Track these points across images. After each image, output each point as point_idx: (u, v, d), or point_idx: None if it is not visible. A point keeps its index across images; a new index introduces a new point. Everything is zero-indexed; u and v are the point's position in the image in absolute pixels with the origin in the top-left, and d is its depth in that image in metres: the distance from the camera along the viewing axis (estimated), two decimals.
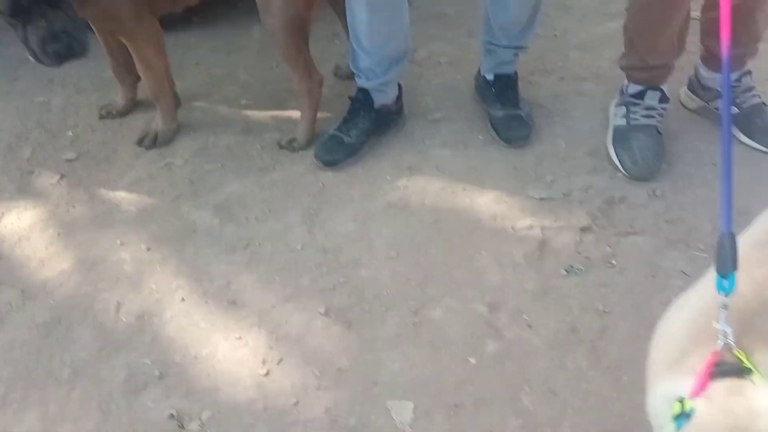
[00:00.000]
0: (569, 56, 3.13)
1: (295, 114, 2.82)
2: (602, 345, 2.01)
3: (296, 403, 1.96)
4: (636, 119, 2.53)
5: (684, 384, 1.21)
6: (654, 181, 2.46)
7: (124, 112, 3.08)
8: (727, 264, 1.22)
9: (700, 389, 1.17)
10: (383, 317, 2.14)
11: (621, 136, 2.52)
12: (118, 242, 2.49)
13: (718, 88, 2.54)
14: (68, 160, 2.87)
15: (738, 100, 2.53)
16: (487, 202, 2.47)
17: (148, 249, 2.45)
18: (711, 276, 1.25)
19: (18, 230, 2.58)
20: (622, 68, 2.58)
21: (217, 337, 2.14)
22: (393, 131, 2.78)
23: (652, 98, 2.53)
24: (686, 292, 1.43)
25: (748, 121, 2.52)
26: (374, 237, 2.39)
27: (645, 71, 2.50)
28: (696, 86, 2.66)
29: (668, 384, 1.28)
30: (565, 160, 2.62)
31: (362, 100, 2.68)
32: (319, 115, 2.77)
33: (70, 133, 3.02)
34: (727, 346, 1.17)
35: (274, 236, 2.44)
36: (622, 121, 2.55)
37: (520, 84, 2.87)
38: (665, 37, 2.41)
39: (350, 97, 2.74)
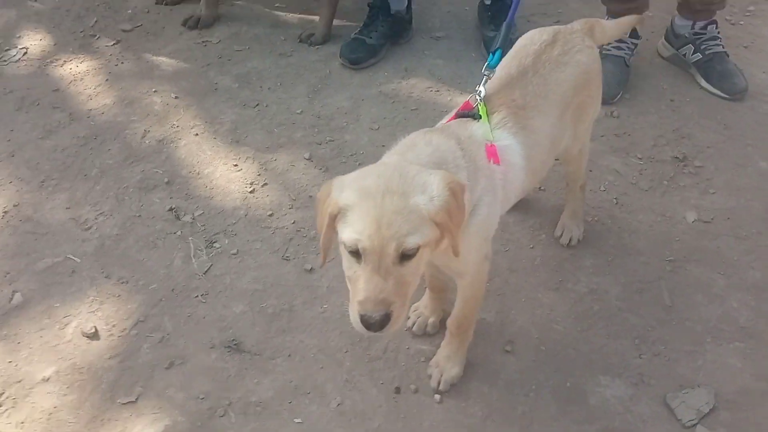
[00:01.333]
0: (570, 6, 3.47)
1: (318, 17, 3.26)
2: None
3: (271, 215, 2.41)
4: (608, 49, 2.87)
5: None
6: (614, 105, 2.80)
7: (176, 1, 3.56)
8: (497, 44, 1.73)
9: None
10: (355, 168, 2.55)
11: None
12: (153, 90, 2.97)
13: (687, 35, 2.87)
14: (124, 30, 3.36)
15: (702, 47, 2.85)
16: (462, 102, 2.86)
17: (176, 97, 2.93)
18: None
19: (75, 74, 3.08)
20: (602, 1, 2.92)
21: (218, 162, 2.61)
22: (404, 39, 3.17)
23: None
24: None
25: (708, 66, 2.84)
26: (362, 113, 2.81)
27: (618, 4, 2.83)
28: (670, 35, 2.99)
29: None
30: None
31: (379, 5, 3.09)
32: (338, 23, 3.21)
33: (129, 11, 3.50)
34: (476, 101, 1.69)
35: (280, 101, 2.89)
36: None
37: (520, 21, 3.25)
38: None
39: (369, 4, 3.16)
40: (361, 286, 1.38)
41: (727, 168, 2.50)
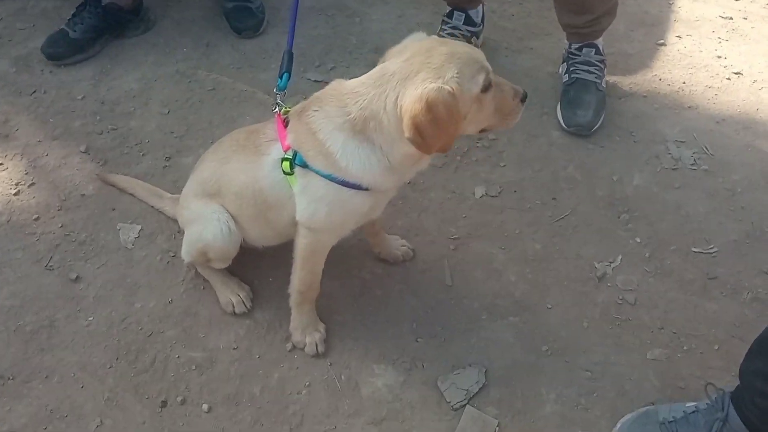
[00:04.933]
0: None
1: None
2: None
3: (37, 219, 2.20)
4: (443, 35, 2.76)
5: (275, 149, 1.68)
6: None
7: None
8: (283, 69, 1.79)
9: (284, 137, 1.66)
10: (138, 159, 2.39)
11: None
12: None
13: (563, 52, 2.67)
14: None
15: (572, 69, 2.58)
16: (267, 79, 2.71)
17: None
18: None
19: None
20: None
21: None
22: (132, 33, 2.84)
23: (457, 19, 2.79)
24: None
25: (566, 90, 2.57)
26: (153, 96, 2.61)
27: None
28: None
29: (264, 161, 1.70)
30: (351, 53, 2.88)
31: None
32: None
33: None
34: (282, 107, 1.73)
35: (61, 86, 2.63)
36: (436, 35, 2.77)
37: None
38: None
39: None
40: (508, 87, 1.60)
41: (519, 140, 2.52)
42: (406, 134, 1.47)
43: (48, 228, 2.17)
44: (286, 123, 1.68)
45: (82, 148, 2.40)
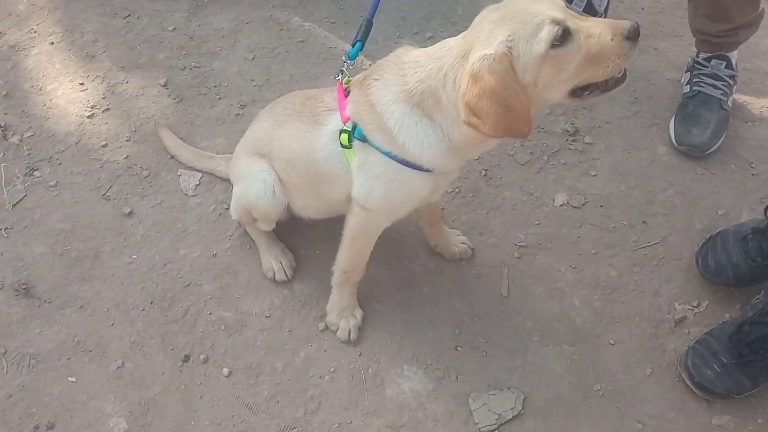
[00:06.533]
0: None
1: None
2: None
3: (104, 145, 2.19)
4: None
5: (333, 120, 1.56)
6: None
7: None
8: (358, 37, 1.63)
9: (344, 108, 1.53)
10: (214, 102, 2.32)
11: None
12: None
13: (689, 61, 2.38)
14: None
15: (695, 80, 2.29)
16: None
17: None
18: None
19: None
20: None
21: (64, 78, 2.36)
22: None
23: (577, 4, 2.49)
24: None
25: (685, 103, 2.28)
26: (241, 39, 2.53)
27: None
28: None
29: (321, 131, 1.58)
30: (454, 24, 2.67)
31: None
32: None
33: None
34: (345, 76, 1.58)
35: (155, 14, 2.59)
36: None
37: None
38: None
39: None
40: (601, 27, 1.30)
41: (619, 148, 2.25)
42: (462, 118, 1.32)
43: (113, 157, 2.16)
44: (347, 92, 1.55)
45: (162, 82, 2.36)
